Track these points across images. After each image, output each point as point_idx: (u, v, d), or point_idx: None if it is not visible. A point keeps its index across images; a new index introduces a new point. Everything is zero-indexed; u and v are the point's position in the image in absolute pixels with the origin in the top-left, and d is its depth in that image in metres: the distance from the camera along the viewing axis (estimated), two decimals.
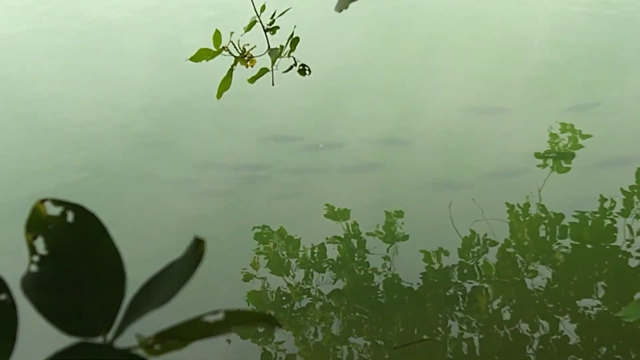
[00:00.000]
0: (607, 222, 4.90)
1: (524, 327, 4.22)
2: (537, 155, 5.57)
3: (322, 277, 4.67)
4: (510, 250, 4.75)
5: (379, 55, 7.21)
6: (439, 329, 4.27)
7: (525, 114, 6.07)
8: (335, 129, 6.12)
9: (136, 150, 6.01)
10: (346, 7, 1.67)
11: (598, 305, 4.30)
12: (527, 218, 4.99)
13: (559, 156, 5.57)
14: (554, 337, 4.15)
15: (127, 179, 5.66)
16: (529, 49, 7.11)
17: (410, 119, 6.16)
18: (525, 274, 4.56)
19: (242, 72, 2.60)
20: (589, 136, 5.73)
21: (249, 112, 6.33)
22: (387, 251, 4.83)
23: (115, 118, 6.41)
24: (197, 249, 0.74)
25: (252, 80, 2.45)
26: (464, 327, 4.25)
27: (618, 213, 4.97)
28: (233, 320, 0.71)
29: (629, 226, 4.86)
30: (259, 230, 5.03)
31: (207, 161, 5.78)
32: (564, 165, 5.48)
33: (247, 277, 4.68)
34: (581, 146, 5.67)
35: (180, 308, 4.45)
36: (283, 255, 4.85)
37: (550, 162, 5.52)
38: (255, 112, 6.36)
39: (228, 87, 2.43)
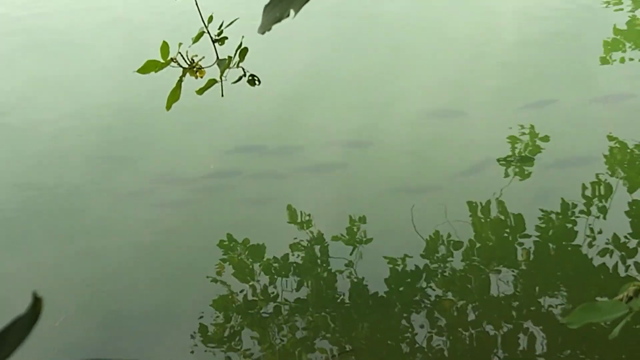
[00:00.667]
0: (569, 222, 4.93)
1: (489, 328, 4.22)
2: (499, 158, 5.58)
3: (287, 282, 4.66)
4: (474, 252, 4.76)
5: (340, 61, 7.19)
6: (406, 334, 4.26)
7: (486, 116, 6.08)
8: (297, 135, 6.09)
9: (95, 163, 5.93)
10: (269, 29, 1.65)
11: (561, 304, 4.32)
12: (489, 219, 5.00)
13: (520, 157, 5.59)
14: (519, 338, 4.16)
15: (87, 192, 5.60)
16: (490, 51, 7.13)
17: (372, 123, 6.15)
18: (489, 275, 4.57)
19: (200, 83, 2.56)
20: (547, 138, 5.76)
21: (210, 122, 6.29)
22: (351, 255, 4.82)
23: (74, 130, 6.33)
24: (34, 306, 0.71)
25: (201, 91, 2.41)
26: (430, 330, 4.25)
27: (581, 211, 5.00)
28: None
29: (590, 227, 4.89)
30: (223, 238, 5.00)
31: (167, 173, 5.74)
32: (525, 166, 5.50)
33: (213, 284, 4.65)
34: (540, 147, 5.69)
35: (148, 316, 4.41)
36: (247, 262, 4.83)
37: (511, 163, 5.54)
38: (217, 122, 6.32)
39: (177, 99, 2.40)
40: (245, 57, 2.39)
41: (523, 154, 5.63)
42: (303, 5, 1.61)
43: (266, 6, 1.66)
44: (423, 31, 7.64)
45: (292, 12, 1.61)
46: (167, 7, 7.96)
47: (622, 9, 7.84)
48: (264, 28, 1.65)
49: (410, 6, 8.22)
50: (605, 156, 5.49)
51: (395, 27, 7.77)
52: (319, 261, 4.81)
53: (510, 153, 5.64)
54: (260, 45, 7.02)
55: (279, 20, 1.63)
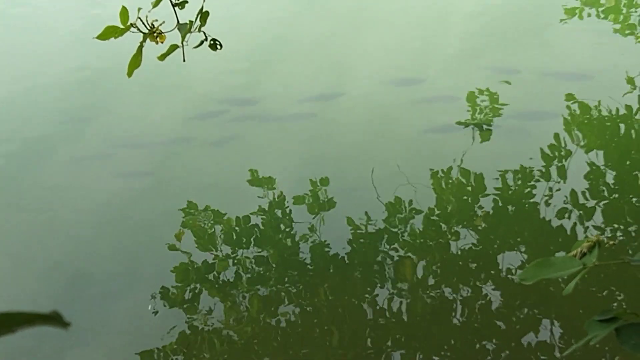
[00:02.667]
0: (528, 183, 5.01)
1: (448, 290, 4.29)
2: (459, 121, 5.63)
3: (247, 246, 4.68)
4: (434, 213, 4.82)
5: (301, 26, 7.16)
6: (366, 295, 4.31)
7: (447, 83, 6.12)
8: (259, 98, 6.08)
9: (55, 126, 5.87)
10: None
11: (521, 266, 4.40)
12: (449, 182, 5.06)
13: (479, 122, 5.65)
14: (478, 297, 4.24)
15: (46, 157, 5.55)
16: (452, 20, 7.14)
17: (332, 87, 6.16)
18: (450, 237, 4.64)
19: (162, 49, 2.54)
20: (505, 104, 5.82)
21: (172, 87, 6.25)
22: (313, 219, 4.85)
23: (34, 94, 6.24)
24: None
25: (162, 57, 2.40)
26: (391, 291, 4.31)
27: (539, 170, 5.08)
28: (15, 322, 0.69)
29: (550, 188, 4.97)
30: (184, 204, 5.01)
31: (129, 138, 5.71)
32: (485, 129, 5.57)
33: (174, 248, 4.65)
34: (499, 110, 5.76)
35: (108, 281, 4.41)
36: (208, 225, 4.83)
37: (471, 126, 5.59)
38: (179, 87, 6.28)
39: (139, 65, 2.38)
40: (207, 22, 2.38)
41: (483, 118, 5.69)
42: None
43: None
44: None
45: None
46: None
47: None
48: None
49: None
50: (564, 117, 5.58)
51: None
52: (281, 224, 4.84)
53: (470, 117, 5.70)
54: (221, 11, 6.96)
55: None
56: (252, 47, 6.80)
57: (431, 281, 4.35)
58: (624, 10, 7.13)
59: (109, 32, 2.27)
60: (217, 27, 2.80)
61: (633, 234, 4.57)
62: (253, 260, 4.57)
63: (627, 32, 6.78)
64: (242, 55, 6.63)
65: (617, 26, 6.86)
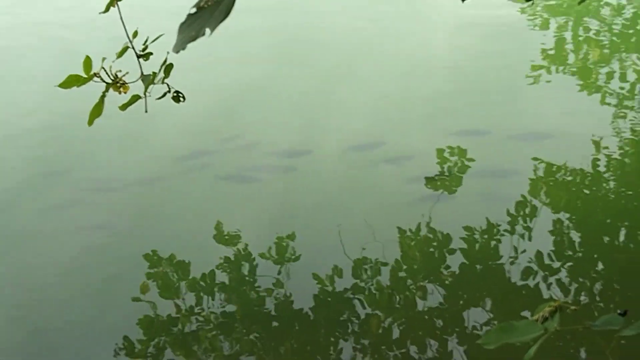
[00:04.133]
0: (494, 241, 5.01)
1: (413, 349, 4.25)
2: (428, 179, 5.63)
3: (213, 300, 4.62)
4: (402, 271, 4.79)
5: (273, 79, 7.19)
6: (331, 352, 4.26)
7: (413, 143, 6.12)
8: (225, 151, 6.07)
9: (19, 176, 5.83)
10: (183, 48, 1.64)
11: (486, 324, 4.38)
12: (417, 239, 5.05)
13: (446, 181, 5.66)
14: (443, 358, 4.20)
15: (10, 207, 5.49)
16: (425, 77, 7.21)
17: (302, 143, 6.16)
18: (416, 293, 4.61)
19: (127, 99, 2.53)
20: (472, 160, 5.85)
21: (137, 136, 6.24)
22: (279, 274, 4.81)
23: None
24: None
25: (124, 107, 2.39)
26: (356, 347, 4.26)
27: (505, 230, 5.09)
28: None
29: (515, 246, 4.98)
30: (150, 255, 4.95)
31: (92, 187, 5.67)
32: (452, 188, 5.57)
33: (138, 300, 4.60)
34: (468, 167, 5.79)
35: (73, 332, 4.30)
36: (173, 278, 4.78)
37: (437, 186, 5.60)
38: (144, 136, 6.27)
39: (100, 114, 2.37)
40: (171, 74, 2.37)
41: (450, 177, 5.70)
42: (219, 24, 1.60)
43: (181, 25, 1.65)
44: (363, 54, 7.70)
45: (207, 30, 1.60)
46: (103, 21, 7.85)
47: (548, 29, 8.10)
48: (179, 47, 1.64)
49: (344, 25, 8.30)
50: (529, 178, 5.61)
51: (333, 51, 7.81)
52: (246, 278, 4.79)
53: (436, 176, 5.70)
54: (193, 62, 7.00)
55: (194, 39, 1.62)
56: (222, 100, 6.81)
57: (395, 336, 4.32)
58: (591, 68, 7.26)
59: (72, 81, 2.26)
60: (185, 80, 2.79)
61: (597, 297, 4.57)
62: (218, 314, 4.50)
63: (593, 91, 6.88)
64: (211, 108, 6.64)
65: (584, 85, 6.97)
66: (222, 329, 4.42)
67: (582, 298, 4.53)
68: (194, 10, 1.69)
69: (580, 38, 7.93)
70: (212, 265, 4.88)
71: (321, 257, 4.92)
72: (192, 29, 1.63)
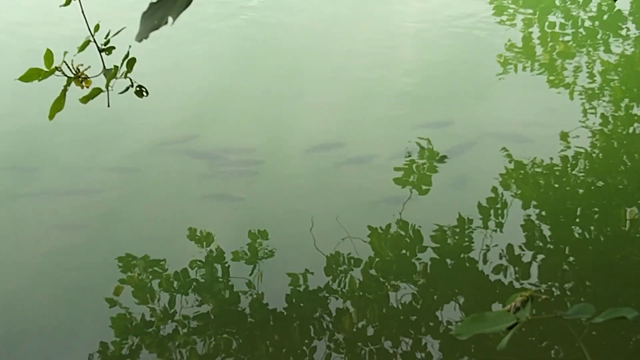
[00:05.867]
0: (465, 237, 5.02)
1: (387, 344, 4.25)
2: (396, 179, 5.61)
3: (187, 300, 4.58)
4: (373, 268, 4.78)
5: (236, 81, 7.13)
6: (304, 348, 4.24)
7: (384, 140, 6.09)
8: (193, 152, 6.01)
9: None
10: (146, 37, 1.62)
11: (460, 320, 4.38)
12: (388, 237, 5.04)
13: (418, 178, 5.65)
14: (418, 352, 4.20)
15: None
16: (391, 76, 7.18)
17: (266, 144, 6.11)
18: (389, 289, 4.60)
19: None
20: (445, 157, 5.83)
21: (102, 136, 6.16)
22: (252, 273, 4.78)
23: None
24: None
25: (85, 99, 2.35)
26: (329, 345, 4.25)
27: (477, 226, 5.10)
28: None
29: (486, 241, 4.99)
30: (122, 257, 4.89)
31: (61, 189, 5.59)
32: (424, 187, 5.55)
33: (111, 303, 4.55)
34: (436, 167, 5.78)
35: (46, 337, 4.23)
36: (147, 279, 4.72)
37: (408, 183, 5.58)
38: (111, 134, 6.20)
39: (61, 108, 2.33)
40: (136, 70, 2.33)
41: (420, 174, 5.69)
42: (181, 12, 1.57)
43: (144, 13, 1.63)
44: (327, 51, 7.67)
45: (170, 19, 1.57)
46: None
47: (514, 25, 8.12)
48: (142, 36, 1.62)
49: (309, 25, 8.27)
50: (499, 173, 5.63)
51: (298, 46, 7.78)
52: (220, 278, 4.75)
53: (407, 173, 5.69)
54: (160, 63, 6.93)
55: (157, 27, 1.60)
56: (188, 98, 6.75)
57: (370, 333, 4.31)
58: (558, 63, 7.29)
59: (32, 75, 2.22)
60: (150, 79, 2.75)
61: (568, 288, 4.60)
62: (192, 314, 4.44)
63: (560, 85, 6.92)
64: (178, 107, 6.58)
65: (552, 80, 7.00)
66: (196, 328, 4.39)
67: (553, 290, 4.56)
68: None
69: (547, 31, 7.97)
70: (186, 264, 4.83)
71: (294, 256, 4.89)
72: (154, 17, 1.61)
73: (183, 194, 5.55)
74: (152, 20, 1.61)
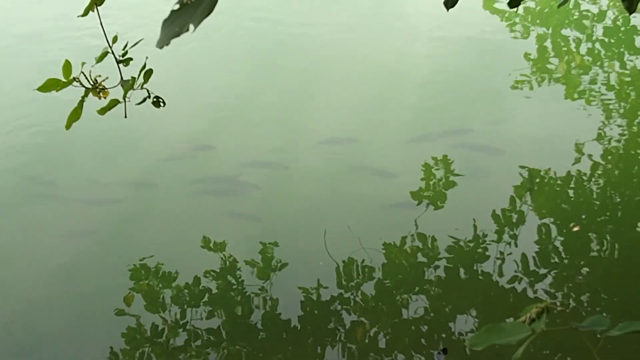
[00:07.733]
0: (480, 248, 5.00)
1: (401, 357, 4.24)
2: (412, 193, 5.59)
3: (197, 312, 4.58)
4: (387, 279, 4.77)
5: (252, 84, 7.17)
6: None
7: (399, 154, 6.09)
8: (209, 158, 6.04)
9: (2, 185, 5.78)
10: (167, 44, 1.63)
11: (472, 331, 4.37)
12: (403, 248, 5.03)
13: (432, 188, 5.64)
14: None
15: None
16: (404, 88, 7.19)
17: (283, 147, 6.14)
18: (401, 302, 4.59)
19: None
20: (460, 175, 5.80)
21: (123, 144, 6.20)
22: (264, 282, 4.78)
23: None
24: None
25: (102, 111, 2.37)
26: (343, 358, 4.24)
27: (492, 240, 5.08)
28: None
29: (501, 252, 4.98)
30: (135, 265, 4.90)
31: (76, 198, 5.62)
32: (439, 203, 5.53)
33: (123, 312, 4.55)
34: (452, 179, 5.76)
35: (58, 342, 4.24)
36: (158, 288, 4.73)
37: (424, 196, 5.56)
38: (128, 144, 6.23)
39: (78, 118, 2.36)
40: (152, 78, 2.35)
41: (436, 186, 5.68)
42: (202, 20, 1.59)
43: (165, 20, 1.64)
44: (343, 59, 7.69)
45: (191, 26, 1.59)
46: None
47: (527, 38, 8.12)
48: (163, 42, 1.63)
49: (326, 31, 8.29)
50: (514, 186, 5.61)
51: (314, 54, 7.81)
52: (232, 288, 4.75)
53: (423, 186, 5.68)
54: (174, 69, 6.97)
55: (177, 34, 1.61)
56: (201, 105, 6.79)
57: (382, 344, 4.30)
58: (574, 74, 7.28)
59: (51, 85, 2.24)
60: (164, 86, 2.77)
61: (584, 300, 4.57)
62: (203, 326, 4.45)
63: (575, 97, 6.90)
64: (192, 115, 6.60)
65: (567, 92, 6.98)
66: (208, 341, 4.39)
67: (569, 302, 4.53)
68: (177, 6, 1.69)
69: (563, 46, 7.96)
70: (199, 274, 4.83)
71: (306, 266, 4.89)
72: (175, 25, 1.62)
73: (197, 204, 5.56)
74: (174, 27, 1.63)
